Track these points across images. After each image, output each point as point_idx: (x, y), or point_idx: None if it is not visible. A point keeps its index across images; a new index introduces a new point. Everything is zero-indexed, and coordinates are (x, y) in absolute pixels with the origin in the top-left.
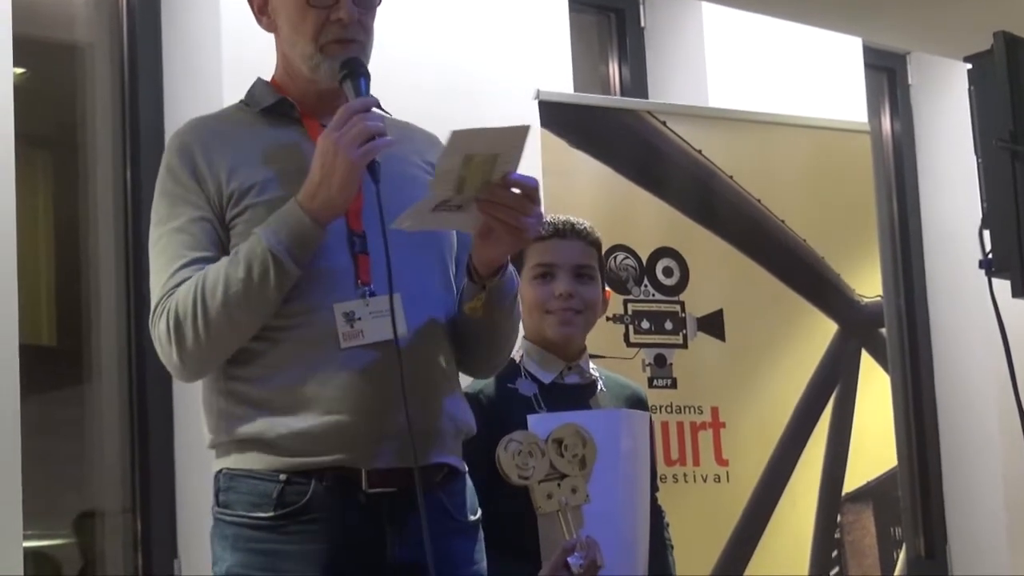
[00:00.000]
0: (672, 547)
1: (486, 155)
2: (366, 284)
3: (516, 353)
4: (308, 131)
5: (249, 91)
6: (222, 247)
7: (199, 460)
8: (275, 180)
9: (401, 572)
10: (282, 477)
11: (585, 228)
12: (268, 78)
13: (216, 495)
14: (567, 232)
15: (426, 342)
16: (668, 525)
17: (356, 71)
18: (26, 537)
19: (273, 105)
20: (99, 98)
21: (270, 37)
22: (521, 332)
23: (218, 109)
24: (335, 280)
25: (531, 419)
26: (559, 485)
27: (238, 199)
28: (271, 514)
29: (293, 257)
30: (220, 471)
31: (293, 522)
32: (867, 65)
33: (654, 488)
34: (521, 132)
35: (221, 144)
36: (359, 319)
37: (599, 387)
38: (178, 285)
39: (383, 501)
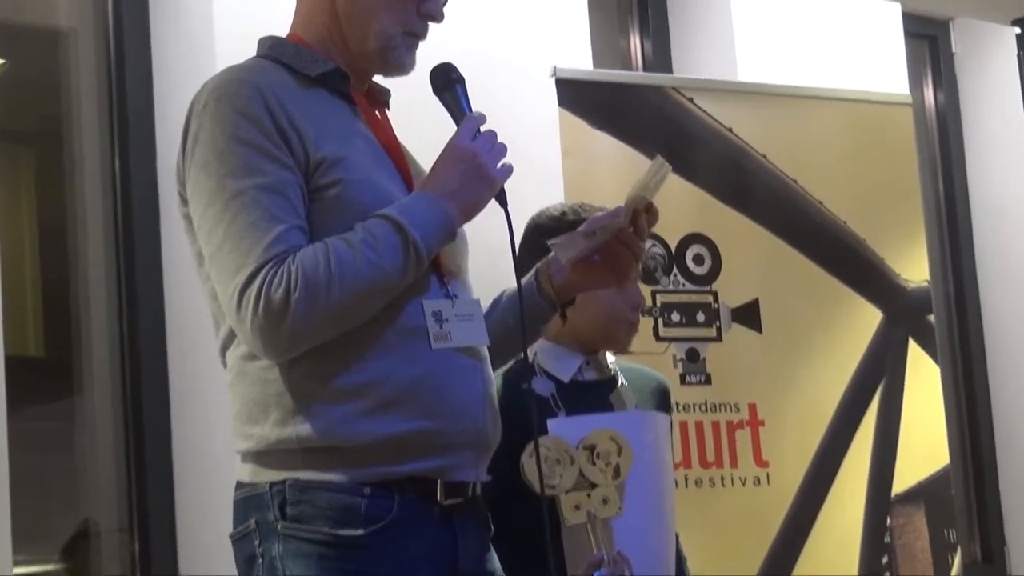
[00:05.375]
0: (685, 558)
1: (644, 186)
2: (447, 284)
3: (529, 352)
4: (362, 110)
5: (275, 48)
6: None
7: (200, 474)
8: (356, 158)
9: None
10: (367, 490)
11: None
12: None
13: (280, 508)
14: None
15: (486, 348)
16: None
17: (456, 78)
18: (16, 562)
19: (327, 73)
20: (84, 88)
21: (266, 18)
22: None
23: None
24: (420, 276)
25: (552, 424)
26: (588, 496)
27: (328, 169)
28: (360, 532)
29: (429, 256)
30: (283, 482)
31: (382, 539)
32: (907, 33)
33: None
34: (666, 168)
35: (292, 101)
36: (446, 320)
37: (619, 381)
38: (284, 254)
39: (452, 512)
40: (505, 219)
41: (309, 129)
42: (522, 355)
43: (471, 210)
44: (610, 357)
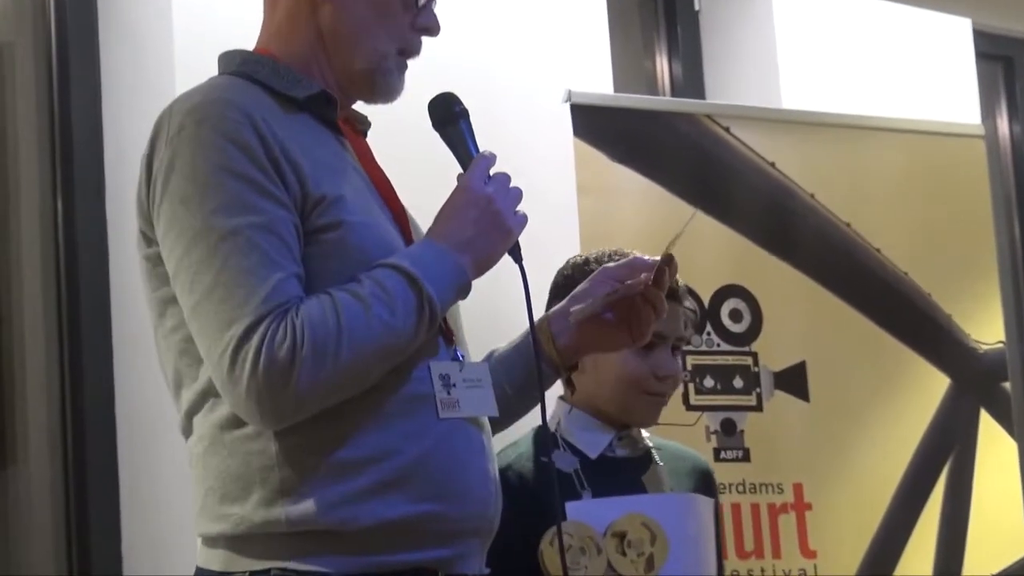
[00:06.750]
0: None
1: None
2: (454, 345)
3: (551, 420)
4: (349, 140)
5: (247, 65)
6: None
7: (152, 559)
8: (354, 197)
9: None
10: None
11: (683, 288)
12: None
13: None
14: (681, 294)
15: (488, 423)
16: None
17: (460, 112)
18: None
19: (314, 96)
20: (21, 109)
21: (229, 30)
22: (552, 392)
23: None
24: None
25: (574, 507)
26: None
27: (328, 209)
28: None
29: (443, 315)
30: (267, 572)
31: None
32: (979, 54)
33: None
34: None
35: (283, 129)
36: (454, 385)
37: (655, 459)
38: (285, 305)
39: None
40: (520, 275)
41: (304, 161)
42: (542, 425)
43: (485, 264)
44: (644, 432)
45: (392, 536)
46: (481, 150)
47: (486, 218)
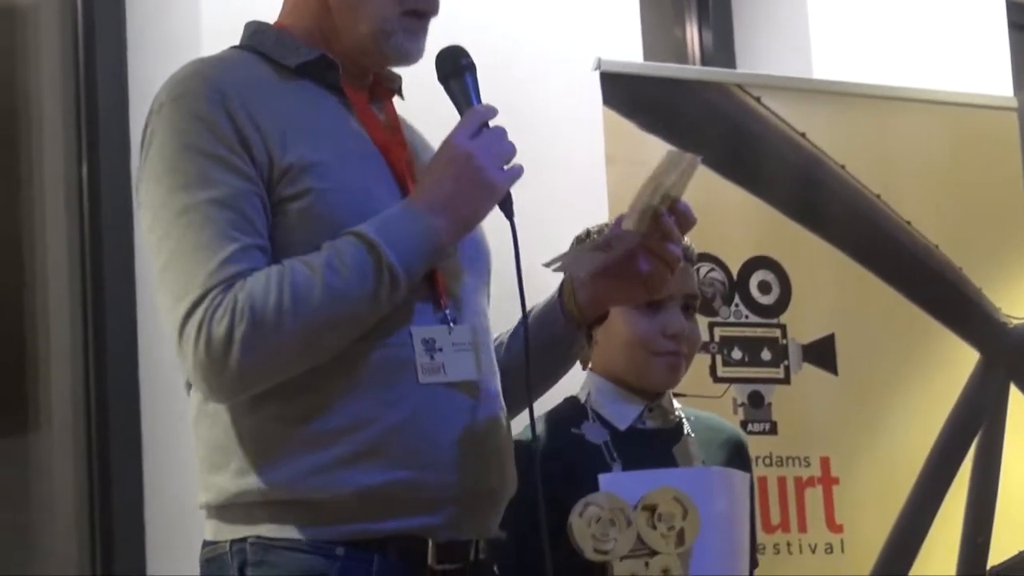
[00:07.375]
0: None
1: (668, 184)
2: (444, 308)
3: (581, 391)
4: (353, 104)
5: (254, 37)
6: (269, 232)
7: (175, 527)
8: (335, 163)
9: None
10: (339, 551)
11: (693, 248)
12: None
13: (240, 570)
14: (690, 254)
15: (495, 384)
16: None
17: (466, 65)
18: None
19: (311, 62)
20: (45, 76)
21: None
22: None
23: None
24: (410, 299)
25: (605, 479)
26: (647, 564)
27: (296, 177)
28: None
29: (412, 280)
30: (244, 540)
31: None
32: (1011, 24)
33: (753, 564)
34: (693, 162)
35: (261, 101)
36: (440, 350)
37: (685, 431)
38: (232, 278)
39: None
40: (511, 233)
41: (276, 131)
42: (572, 394)
43: (466, 222)
44: (676, 403)
45: (370, 504)
46: (483, 103)
47: (466, 175)
